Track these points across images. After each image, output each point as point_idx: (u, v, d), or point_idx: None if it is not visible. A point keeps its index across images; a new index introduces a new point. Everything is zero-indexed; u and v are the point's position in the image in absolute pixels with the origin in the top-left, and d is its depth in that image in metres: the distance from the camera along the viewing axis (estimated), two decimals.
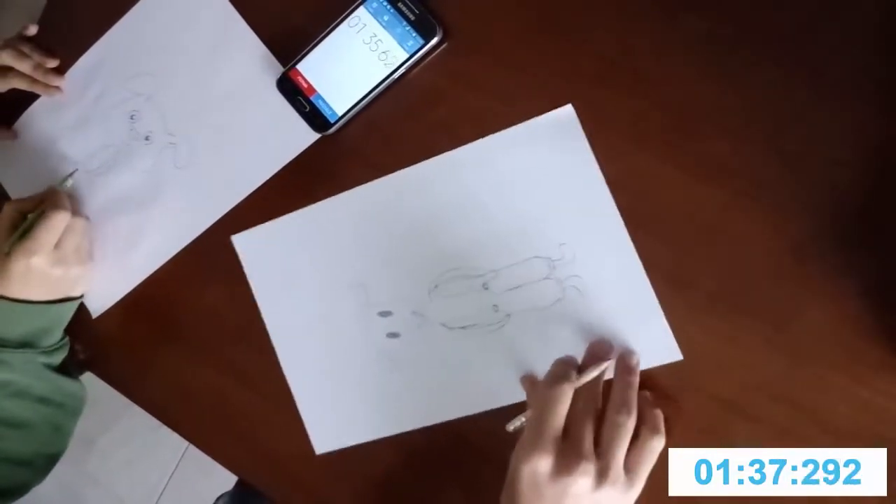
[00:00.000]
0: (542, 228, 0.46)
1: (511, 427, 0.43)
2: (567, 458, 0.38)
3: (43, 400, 0.54)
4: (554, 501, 0.38)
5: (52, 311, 0.55)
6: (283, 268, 0.53)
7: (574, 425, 0.40)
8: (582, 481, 0.37)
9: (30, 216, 0.53)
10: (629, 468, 0.40)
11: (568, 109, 0.45)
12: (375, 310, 0.50)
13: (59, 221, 0.52)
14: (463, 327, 0.48)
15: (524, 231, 0.47)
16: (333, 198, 0.51)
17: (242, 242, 0.54)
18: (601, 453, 0.39)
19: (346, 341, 0.51)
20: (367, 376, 0.51)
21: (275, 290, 0.54)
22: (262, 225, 0.53)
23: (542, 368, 0.44)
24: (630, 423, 0.40)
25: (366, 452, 0.51)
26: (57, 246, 0.53)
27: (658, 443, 0.41)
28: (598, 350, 0.44)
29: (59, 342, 0.56)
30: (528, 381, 0.45)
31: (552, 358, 0.44)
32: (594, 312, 0.45)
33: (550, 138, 0.46)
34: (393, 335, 0.50)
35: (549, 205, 0.46)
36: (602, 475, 0.38)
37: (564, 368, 0.42)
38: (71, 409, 0.57)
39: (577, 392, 0.41)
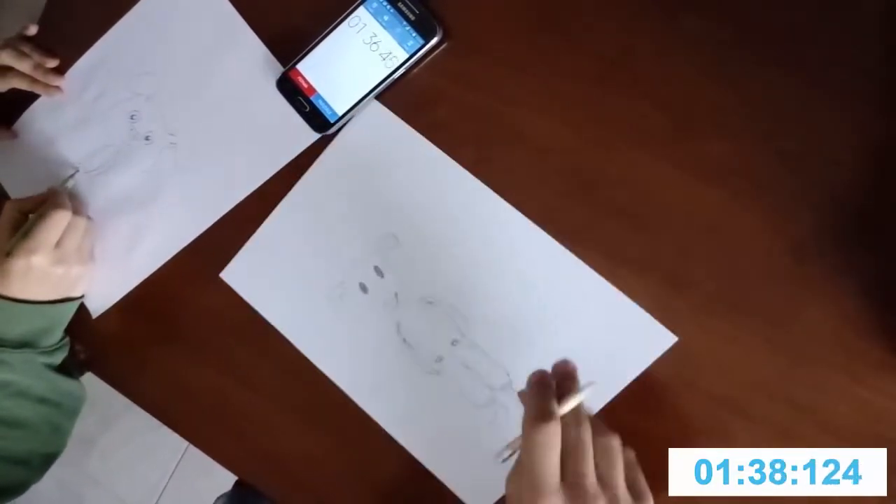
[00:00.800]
0: (538, 359, 0.42)
1: (501, 459, 0.40)
2: (577, 502, 0.34)
3: (42, 400, 0.54)
4: None
5: (52, 311, 0.55)
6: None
7: (572, 462, 0.36)
8: None
9: (31, 216, 0.53)
10: (629, 487, 0.37)
11: (670, 338, 0.44)
12: (375, 262, 0.50)
13: (59, 220, 0.52)
14: (405, 341, 0.49)
15: (528, 345, 0.47)
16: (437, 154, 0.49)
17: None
18: (604, 485, 0.36)
19: (329, 259, 0.52)
20: (314, 286, 0.52)
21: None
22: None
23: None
24: (616, 442, 0.37)
25: (366, 453, 0.51)
26: (58, 245, 0.53)
27: (624, 449, 0.38)
28: (565, 370, 0.40)
29: (59, 342, 0.56)
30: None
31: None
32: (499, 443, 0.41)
33: (635, 331, 0.44)
34: (363, 287, 0.51)
35: (572, 351, 0.42)
36: None
37: (544, 400, 0.37)
38: (70, 409, 0.57)
39: (563, 420, 0.37)
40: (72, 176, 0.59)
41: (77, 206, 0.56)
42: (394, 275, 0.50)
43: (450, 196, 0.49)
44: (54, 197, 0.54)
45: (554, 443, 0.36)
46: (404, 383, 0.49)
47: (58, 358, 0.56)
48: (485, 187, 0.48)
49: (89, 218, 0.57)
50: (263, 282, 0.54)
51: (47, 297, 0.54)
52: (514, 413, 0.44)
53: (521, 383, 0.40)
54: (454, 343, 0.48)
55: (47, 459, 0.57)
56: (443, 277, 0.49)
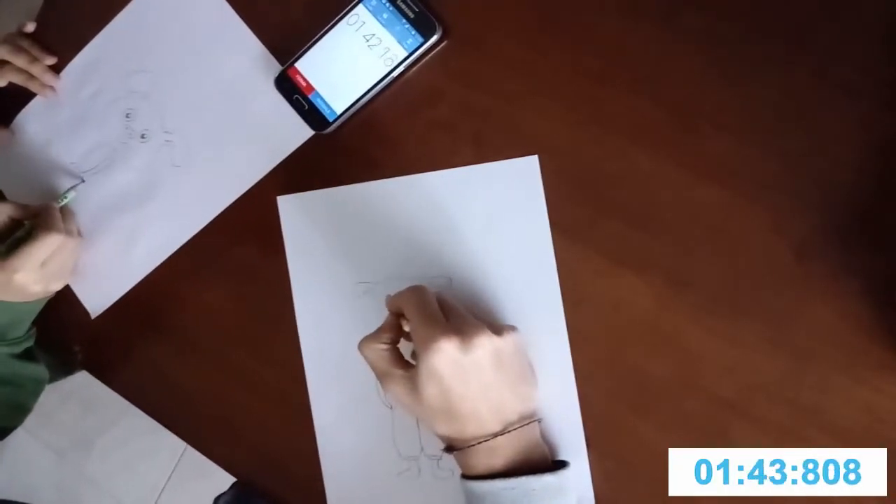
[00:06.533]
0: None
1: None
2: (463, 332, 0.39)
3: (4, 382, 0.56)
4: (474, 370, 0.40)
5: (21, 307, 0.55)
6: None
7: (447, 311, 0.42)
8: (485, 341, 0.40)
9: (24, 226, 0.53)
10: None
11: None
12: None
13: (50, 244, 0.53)
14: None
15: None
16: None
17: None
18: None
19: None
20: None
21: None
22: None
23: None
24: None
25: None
26: (43, 265, 0.53)
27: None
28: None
29: (25, 334, 0.56)
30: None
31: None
32: None
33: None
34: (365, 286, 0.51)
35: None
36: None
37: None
38: (31, 391, 0.59)
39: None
40: (73, 188, 0.59)
41: (70, 224, 0.56)
42: None
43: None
44: (48, 215, 0.54)
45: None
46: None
47: (21, 348, 0.56)
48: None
49: (80, 235, 0.57)
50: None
51: (19, 300, 0.55)
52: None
53: None
54: None
55: (3, 432, 0.58)
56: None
